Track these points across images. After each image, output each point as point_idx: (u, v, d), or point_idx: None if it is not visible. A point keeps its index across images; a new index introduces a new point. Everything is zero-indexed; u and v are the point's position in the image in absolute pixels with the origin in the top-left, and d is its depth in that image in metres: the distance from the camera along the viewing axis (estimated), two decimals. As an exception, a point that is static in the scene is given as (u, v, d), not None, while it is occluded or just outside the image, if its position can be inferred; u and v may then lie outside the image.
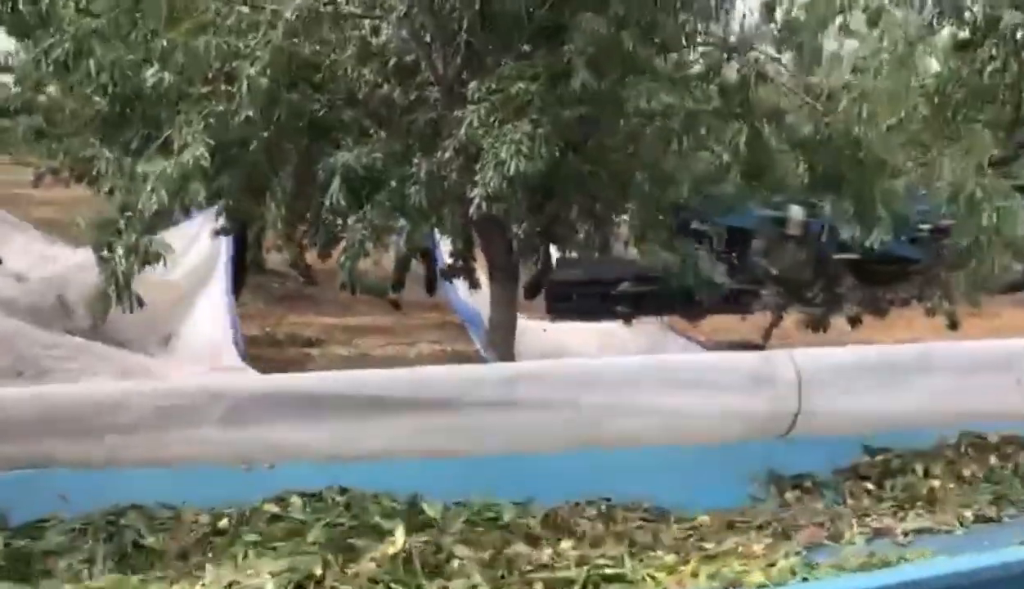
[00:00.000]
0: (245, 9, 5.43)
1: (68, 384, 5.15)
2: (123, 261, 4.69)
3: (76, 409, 2.69)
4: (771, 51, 5.77)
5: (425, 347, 9.08)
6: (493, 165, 5.22)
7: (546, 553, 2.71)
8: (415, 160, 5.74)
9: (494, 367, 3.46)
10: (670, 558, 2.75)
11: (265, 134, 5.56)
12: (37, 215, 10.45)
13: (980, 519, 3.10)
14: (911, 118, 6.80)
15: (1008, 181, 6.05)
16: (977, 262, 5.82)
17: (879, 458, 3.38)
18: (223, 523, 2.75)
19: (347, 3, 5.76)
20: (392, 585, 2.44)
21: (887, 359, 3.17)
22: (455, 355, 8.40)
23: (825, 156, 5.79)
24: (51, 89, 8.16)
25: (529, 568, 2.62)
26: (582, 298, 6.22)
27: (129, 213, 4.74)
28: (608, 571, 2.58)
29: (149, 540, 2.70)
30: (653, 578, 2.58)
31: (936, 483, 3.20)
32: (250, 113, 4.96)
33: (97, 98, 5.19)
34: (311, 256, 9.28)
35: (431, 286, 9.77)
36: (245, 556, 2.58)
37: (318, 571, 2.43)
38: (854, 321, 9.07)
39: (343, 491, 2.93)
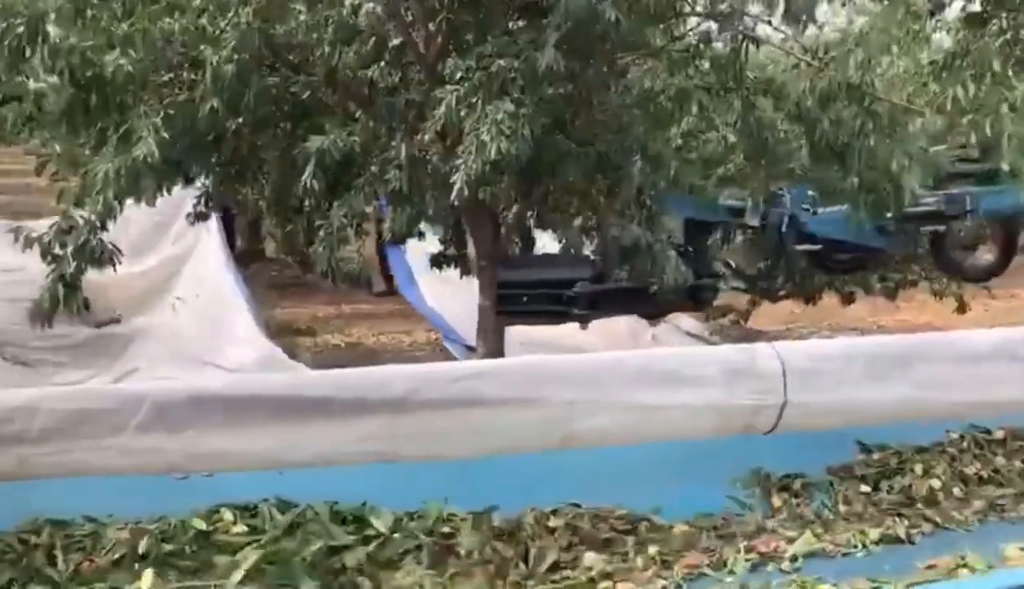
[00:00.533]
0: (212, -11, 5.07)
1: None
2: (71, 262, 4.38)
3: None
4: (759, 11, 5.30)
5: (421, 335, 8.77)
6: (475, 147, 4.87)
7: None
8: (394, 144, 5.39)
9: (448, 364, 3.13)
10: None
11: (235, 123, 5.22)
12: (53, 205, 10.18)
13: (983, 521, 2.76)
14: (919, 93, 6.42)
15: None
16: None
17: (875, 456, 3.03)
18: (144, 543, 2.44)
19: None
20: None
21: (876, 350, 2.82)
22: (452, 344, 8.06)
23: (827, 126, 5.37)
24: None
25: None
26: (533, 299, 5.67)
27: (82, 212, 4.43)
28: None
29: (60, 564, 2.39)
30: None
31: (937, 483, 2.85)
32: (214, 103, 4.62)
33: (57, 84, 4.86)
34: (310, 242, 8.97)
35: (388, 282, 9.30)
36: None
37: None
38: (847, 299, 8.68)
39: (282, 503, 2.61)
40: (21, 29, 4.51)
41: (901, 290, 8.62)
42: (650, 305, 5.85)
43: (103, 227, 4.69)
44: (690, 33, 5.68)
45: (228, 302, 7.98)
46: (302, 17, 5.38)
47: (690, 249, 6.45)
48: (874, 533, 2.67)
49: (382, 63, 5.88)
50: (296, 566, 2.37)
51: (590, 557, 2.54)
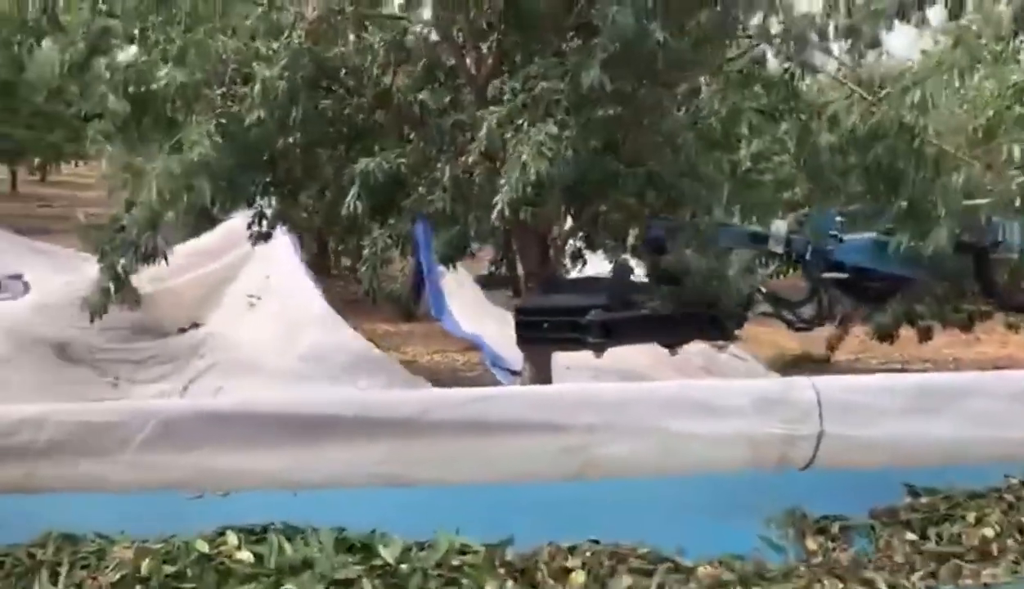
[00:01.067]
0: (265, 10, 5.05)
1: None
2: (123, 258, 4.37)
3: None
4: (816, 38, 5.06)
5: (474, 355, 8.62)
6: (517, 169, 4.74)
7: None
8: (439, 165, 5.29)
9: (462, 390, 2.97)
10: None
11: (287, 142, 5.18)
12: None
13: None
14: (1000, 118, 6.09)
15: None
16: None
17: (923, 500, 2.76)
18: (147, 564, 2.33)
19: (370, 6, 5.34)
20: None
21: (918, 385, 2.57)
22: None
23: (880, 151, 5.10)
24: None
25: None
26: (554, 327, 5.41)
27: (134, 211, 4.42)
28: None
29: (63, 581, 2.30)
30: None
31: (990, 532, 2.58)
32: (261, 113, 4.58)
33: (113, 97, 4.88)
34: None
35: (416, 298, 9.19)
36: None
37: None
38: (923, 334, 8.26)
39: (289, 528, 2.48)
40: (82, 45, 4.54)
41: (978, 322, 8.17)
42: (669, 334, 5.57)
43: (153, 227, 4.69)
44: (742, 56, 5.48)
45: (305, 302, 8.03)
46: (352, 38, 5.35)
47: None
48: (919, 585, 2.42)
49: (434, 85, 5.81)
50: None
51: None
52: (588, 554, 2.52)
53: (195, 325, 8.37)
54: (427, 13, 5.64)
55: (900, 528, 2.67)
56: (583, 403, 2.59)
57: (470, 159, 5.19)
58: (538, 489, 2.65)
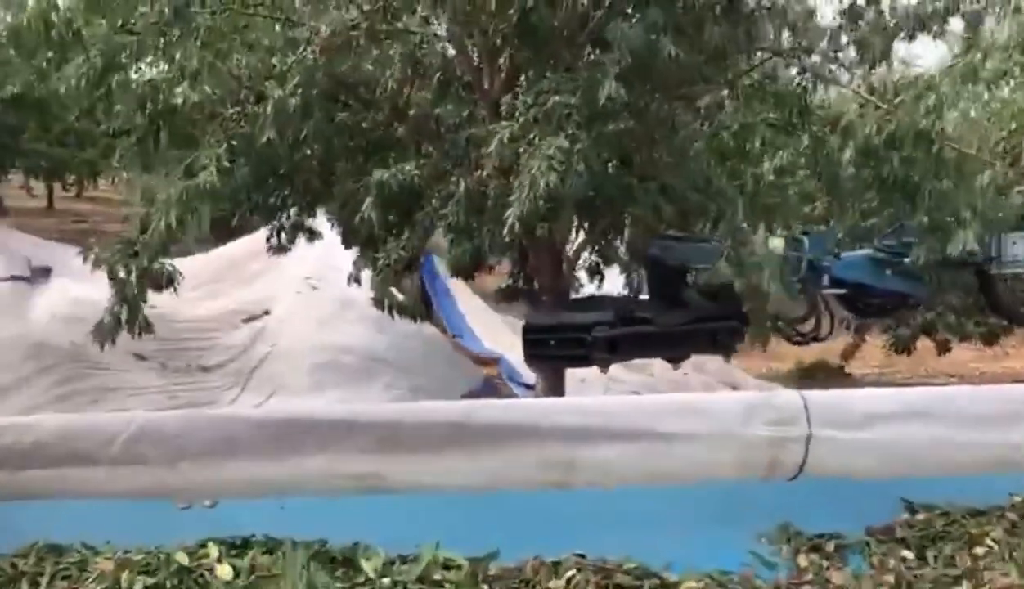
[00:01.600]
0: (280, 28, 5.06)
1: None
2: (135, 284, 4.36)
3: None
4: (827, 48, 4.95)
5: (492, 370, 8.54)
6: (528, 183, 4.68)
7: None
8: (453, 178, 5.25)
9: (442, 403, 2.90)
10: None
11: (302, 156, 5.18)
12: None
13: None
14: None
15: None
16: None
17: (921, 516, 2.64)
18: (126, 576, 2.29)
19: (384, 21, 5.33)
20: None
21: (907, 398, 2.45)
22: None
23: (896, 164, 4.97)
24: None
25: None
26: (561, 344, 5.37)
27: (146, 236, 4.43)
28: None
29: (43, 591, 2.27)
30: None
31: (986, 551, 2.45)
32: (272, 134, 4.58)
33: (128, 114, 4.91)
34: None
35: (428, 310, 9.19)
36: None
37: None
38: (942, 347, 8.11)
39: (269, 540, 2.43)
40: (98, 61, 4.57)
41: (1003, 336, 7.98)
42: (671, 349, 5.53)
43: (165, 251, 4.69)
44: (755, 69, 5.38)
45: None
46: (368, 52, 5.34)
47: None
48: (913, 606, 2.31)
49: (449, 99, 5.79)
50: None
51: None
52: (573, 571, 2.43)
53: (265, 312, 8.63)
54: (442, 29, 5.62)
55: (896, 546, 2.54)
56: (566, 411, 2.51)
57: (484, 173, 5.15)
58: (524, 499, 2.58)
